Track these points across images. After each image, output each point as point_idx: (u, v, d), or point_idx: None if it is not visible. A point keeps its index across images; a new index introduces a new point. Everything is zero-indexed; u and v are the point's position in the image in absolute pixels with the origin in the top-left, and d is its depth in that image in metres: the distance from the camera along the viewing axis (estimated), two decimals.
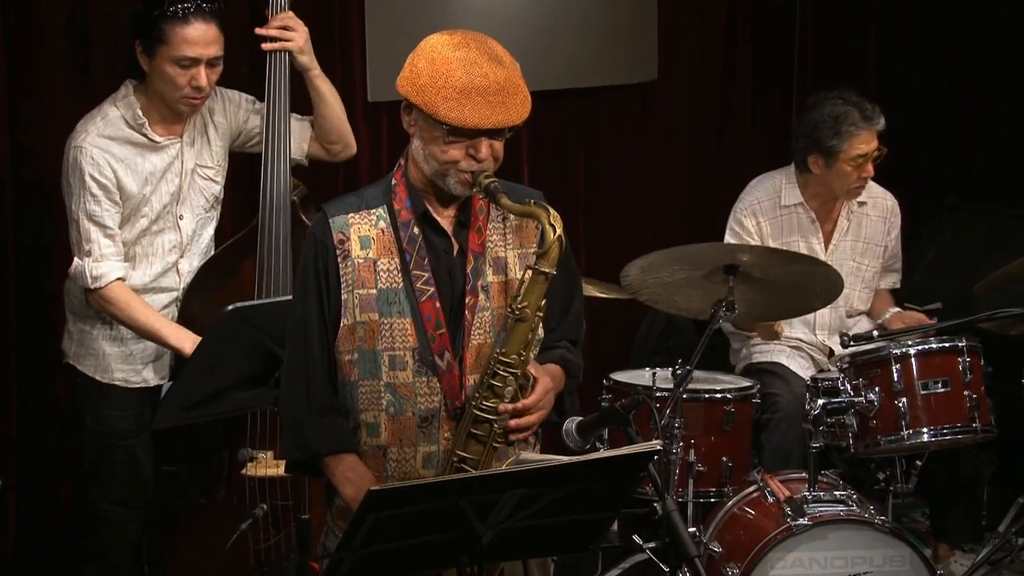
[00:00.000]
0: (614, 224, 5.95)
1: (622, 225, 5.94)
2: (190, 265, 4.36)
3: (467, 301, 3.28)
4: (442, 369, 3.26)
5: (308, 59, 4.41)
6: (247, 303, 3.89)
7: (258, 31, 4.38)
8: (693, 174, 6.15)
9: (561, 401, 3.41)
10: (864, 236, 5.11)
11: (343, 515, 3.34)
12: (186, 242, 4.34)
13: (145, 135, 4.22)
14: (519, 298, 3.21)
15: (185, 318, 4.32)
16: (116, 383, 4.32)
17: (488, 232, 3.32)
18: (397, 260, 3.27)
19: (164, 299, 4.33)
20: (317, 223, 3.32)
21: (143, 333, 4.24)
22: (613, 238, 5.89)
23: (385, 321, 3.26)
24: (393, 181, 3.31)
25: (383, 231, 3.28)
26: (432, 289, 3.26)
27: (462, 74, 3.14)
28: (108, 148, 4.17)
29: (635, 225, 5.99)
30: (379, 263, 3.27)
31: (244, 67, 4.95)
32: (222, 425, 4.33)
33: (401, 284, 3.26)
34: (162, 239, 4.30)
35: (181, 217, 4.32)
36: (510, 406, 3.23)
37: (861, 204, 5.11)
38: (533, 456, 3.29)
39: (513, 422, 3.23)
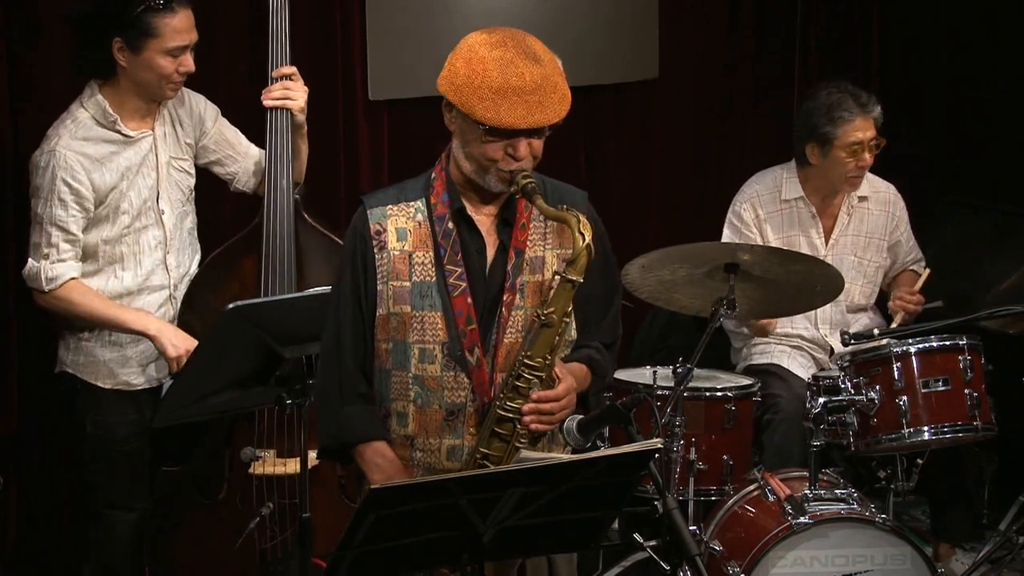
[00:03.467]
0: (615, 222, 5.88)
1: (624, 223, 5.92)
2: (176, 260, 4.37)
3: (504, 298, 3.30)
4: (472, 365, 3.29)
5: (302, 119, 4.42)
6: (248, 301, 3.89)
7: (264, 96, 4.37)
8: (695, 172, 6.15)
9: (586, 400, 3.45)
10: (866, 231, 5.11)
11: None
12: (170, 237, 4.35)
13: (118, 131, 4.23)
14: (546, 304, 3.25)
15: (186, 317, 4.33)
16: (119, 387, 4.32)
17: (531, 230, 3.33)
18: (432, 254, 3.30)
19: (158, 298, 4.34)
20: (358, 215, 3.37)
21: (105, 323, 4.24)
22: (615, 236, 5.84)
23: (417, 314, 3.29)
24: (433, 175, 3.35)
25: (420, 224, 3.31)
26: (464, 284, 3.29)
27: (498, 74, 3.15)
28: (82, 150, 4.17)
29: (637, 223, 5.99)
30: (414, 256, 3.30)
31: (242, 64, 4.97)
32: (224, 424, 4.34)
33: (434, 278, 3.29)
34: (147, 236, 4.30)
35: (162, 212, 4.32)
36: (531, 406, 3.24)
37: (862, 199, 5.11)
38: (534, 454, 3.30)
39: (528, 418, 3.24)
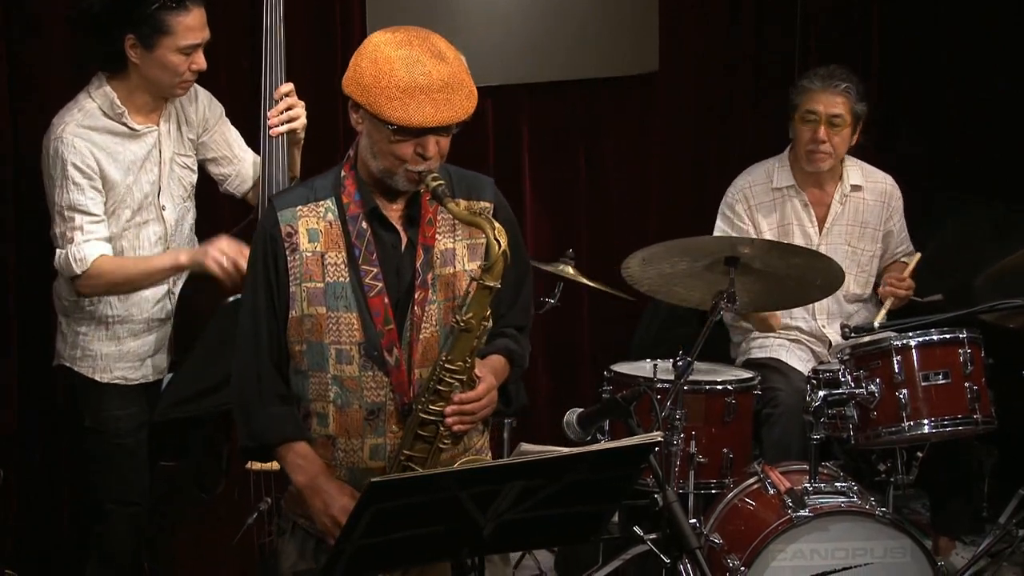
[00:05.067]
0: (616, 216, 5.95)
1: (624, 217, 5.95)
2: None
3: (416, 296, 3.28)
4: (391, 365, 3.27)
5: (303, 135, 4.40)
6: None
7: (270, 117, 4.32)
8: (694, 172, 6.15)
9: (506, 390, 3.43)
10: (861, 220, 5.12)
11: (294, 500, 3.39)
12: (170, 233, 4.34)
13: (125, 123, 4.22)
14: (464, 309, 3.23)
15: (182, 311, 4.32)
16: (116, 382, 4.31)
17: (438, 224, 3.32)
18: (344, 254, 3.27)
19: (156, 294, 4.32)
20: (265, 215, 3.34)
21: (146, 279, 4.21)
22: (615, 230, 5.89)
23: (332, 315, 3.27)
24: (342, 173, 3.31)
25: (331, 224, 3.28)
26: (380, 284, 3.27)
27: (404, 73, 3.14)
28: (89, 137, 4.16)
29: (637, 217, 5.99)
30: (327, 257, 3.27)
31: (244, 62, 4.97)
32: (221, 420, 4.33)
33: (348, 278, 3.26)
34: (147, 231, 4.29)
35: (163, 208, 4.32)
36: (454, 407, 3.25)
37: (856, 188, 5.12)
38: (534, 447, 3.30)
39: (451, 419, 3.25)
